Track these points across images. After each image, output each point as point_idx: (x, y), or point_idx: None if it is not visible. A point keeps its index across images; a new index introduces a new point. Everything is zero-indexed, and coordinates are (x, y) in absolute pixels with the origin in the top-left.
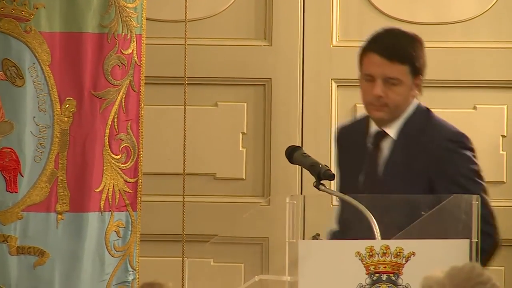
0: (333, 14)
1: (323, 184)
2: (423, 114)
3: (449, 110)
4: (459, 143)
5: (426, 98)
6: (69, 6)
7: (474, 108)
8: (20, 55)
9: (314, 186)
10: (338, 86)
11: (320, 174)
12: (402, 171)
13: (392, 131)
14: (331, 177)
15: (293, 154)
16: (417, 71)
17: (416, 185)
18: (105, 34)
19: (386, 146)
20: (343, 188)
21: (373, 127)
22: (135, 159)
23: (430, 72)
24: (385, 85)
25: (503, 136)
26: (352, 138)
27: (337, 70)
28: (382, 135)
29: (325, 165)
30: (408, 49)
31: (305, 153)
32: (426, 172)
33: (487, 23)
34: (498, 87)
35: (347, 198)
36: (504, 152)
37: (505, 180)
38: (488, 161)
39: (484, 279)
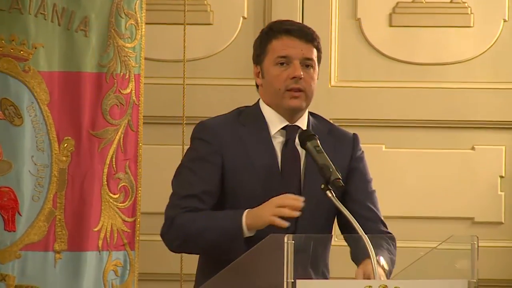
0: (332, 54)
1: (330, 190)
2: (312, 114)
3: (448, 150)
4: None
5: (425, 138)
6: (68, 46)
7: (473, 148)
8: (18, 95)
9: (321, 189)
10: None
11: (329, 181)
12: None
13: (303, 126)
14: (339, 188)
15: (306, 142)
16: (319, 58)
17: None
18: (103, 74)
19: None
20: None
21: (277, 125)
22: (133, 198)
23: (429, 112)
24: (301, 67)
25: (501, 177)
26: (250, 138)
27: (335, 110)
28: (294, 130)
29: (336, 170)
30: (316, 34)
31: (318, 146)
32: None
33: (486, 64)
34: (497, 127)
35: (351, 217)
36: (502, 193)
37: (503, 221)
38: (486, 201)
39: None
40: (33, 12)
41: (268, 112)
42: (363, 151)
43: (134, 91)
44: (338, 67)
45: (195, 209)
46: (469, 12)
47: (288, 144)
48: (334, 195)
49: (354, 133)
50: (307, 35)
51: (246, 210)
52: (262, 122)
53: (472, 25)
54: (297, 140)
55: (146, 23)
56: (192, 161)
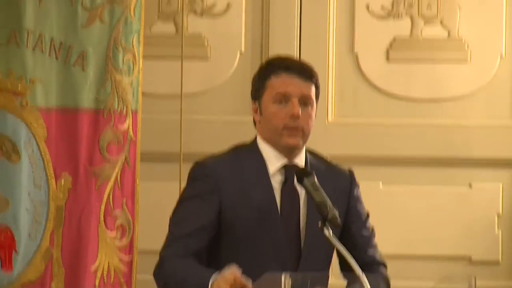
0: (329, 90)
1: (327, 228)
2: (309, 151)
3: (445, 188)
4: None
5: (422, 175)
6: (66, 81)
7: (470, 186)
8: (15, 131)
9: (319, 228)
10: None
11: (326, 219)
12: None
13: (302, 164)
14: (336, 226)
15: (303, 179)
16: (317, 95)
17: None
18: (101, 110)
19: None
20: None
21: (276, 163)
22: (130, 236)
23: (426, 149)
24: (299, 105)
25: (499, 215)
26: (248, 177)
27: (333, 147)
28: (293, 169)
29: (334, 208)
30: (314, 71)
31: (315, 183)
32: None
33: (483, 101)
34: (494, 165)
35: (348, 256)
36: (500, 231)
37: (500, 260)
38: (483, 240)
39: None
40: (31, 47)
41: (266, 150)
42: (359, 186)
43: (131, 127)
44: (336, 103)
45: (184, 252)
46: (466, 48)
47: (287, 183)
48: (332, 233)
49: (349, 169)
50: (306, 73)
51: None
52: (260, 160)
53: (469, 60)
54: (295, 178)
55: (144, 58)
56: (188, 199)
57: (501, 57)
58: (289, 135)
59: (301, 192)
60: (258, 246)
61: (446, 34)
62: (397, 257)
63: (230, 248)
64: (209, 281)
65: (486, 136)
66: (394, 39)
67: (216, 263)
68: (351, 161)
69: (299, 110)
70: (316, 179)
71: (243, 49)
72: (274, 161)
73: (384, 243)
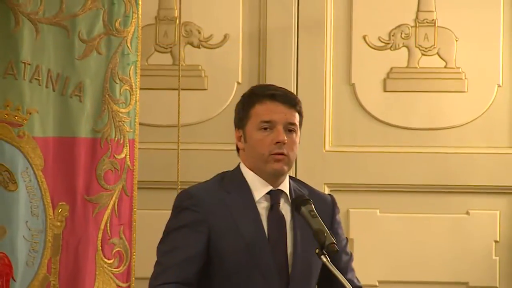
0: (326, 119)
1: (325, 255)
2: (292, 178)
3: (442, 215)
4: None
5: (419, 203)
6: (62, 111)
7: (467, 213)
8: (13, 160)
9: (316, 254)
10: (331, 190)
11: (324, 246)
12: (306, 234)
13: (286, 190)
14: (334, 253)
15: (301, 207)
16: (301, 123)
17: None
18: (98, 139)
19: (285, 209)
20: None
21: (261, 189)
22: (127, 263)
23: (423, 177)
24: (284, 132)
25: (496, 242)
26: (234, 205)
27: (330, 175)
28: (278, 195)
29: (331, 235)
30: (298, 99)
31: (313, 211)
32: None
33: (480, 129)
34: (491, 192)
35: (343, 279)
36: (497, 258)
37: (498, 286)
38: (481, 266)
39: None
40: (28, 78)
41: (251, 177)
42: (339, 211)
43: (128, 156)
44: (333, 132)
45: (175, 283)
46: (463, 78)
47: (273, 209)
48: (329, 259)
49: (330, 195)
50: (290, 100)
51: None
52: (245, 187)
53: (466, 90)
54: (281, 204)
55: (141, 88)
56: (177, 229)
57: (498, 86)
58: (275, 160)
59: (287, 217)
60: (248, 274)
61: (443, 64)
62: (395, 284)
63: (220, 277)
64: None
65: (483, 164)
66: (391, 70)
67: None
68: (349, 189)
69: (285, 137)
70: (313, 206)
71: (240, 79)
72: (259, 188)
73: (382, 270)
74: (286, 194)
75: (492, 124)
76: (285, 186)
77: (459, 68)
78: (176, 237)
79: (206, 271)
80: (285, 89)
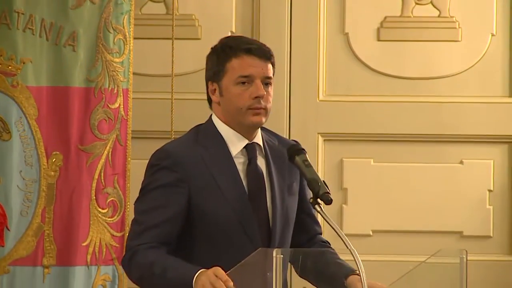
0: (320, 69)
1: (319, 204)
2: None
3: (436, 165)
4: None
5: (413, 152)
6: (56, 61)
7: (461, 162)
8: (7, 110)
9: (310, 203)
10: (325, 140)
11: (318, 195)
12: (282, 184)
13: (260, 143)
14: (328, 202)
15: (295, 157)
16: (273, 73)
17: (294, 196)
18: (91, 88)
19: (260, 161)
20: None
21: (237, 144)
22: (121, 213)
23: (417, 126)
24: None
25: (490, 191)
26: (212, 161)
27: (323, 125)
28: (254, 148)
29: (325, 184)
30: (271, 51)
31: (307, 161)
32: (293, 181)
33: (474, 78)
34: (485, 141)
35: (338, 230)
36: (491, 207)
37: (491, 235)
38: (474, 215)
39: None
40: (21, 27)
41: (225, 131)
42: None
43: (122, 106)
44: (326, 82)
45: (156, 243)
46: (457, 27)
47: (251, 164)
48: (323, 209)
49: (295, 141)
50: (265, 54)
51: (198, 271)
52: (221, 142)
53: (460, 39)
54: (258, 158)
55: (134, 38)
56: (155, 189)
57: (492, 35)
58: (254, 114)
59: (263, 170)
60: (231, 230)
61: (437, 13)
62: (388, 233)
63: (203, 237)
64: (193, 276)
65: (477, 113)
66: (385, 19)
67: (189, 251)
68: (342, 139)
69: (264, 91)
70: (307, 156)
71: (233, 29)
72: (235, 142)
73: (375, 220)
74: (261, 147)
75: (486, 74)
76: (259, 138)
77: (453, 17)
78: (155, 196)
79: (188, 232)
80: (258, 42)
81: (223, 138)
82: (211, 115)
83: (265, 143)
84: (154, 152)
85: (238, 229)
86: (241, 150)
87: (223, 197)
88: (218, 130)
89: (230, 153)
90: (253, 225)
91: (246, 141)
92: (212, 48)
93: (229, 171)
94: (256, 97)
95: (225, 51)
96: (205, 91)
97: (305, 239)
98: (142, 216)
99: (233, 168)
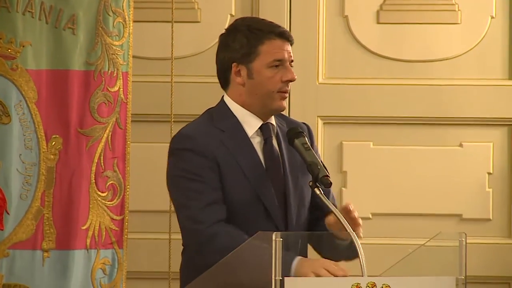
0: (319, 51)
1: (318, 187)
2: None
3: (435, 148)
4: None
5: (413, 135)
6: (56, 44)
7: (460, 145)
8: (6, 93)
9: (310, 186)
10: (324, 123)
11: (317, 178)
12: (294, 164)
13: (273, 123)
14: (327, 185)
15: (294, 140)
16: None
17: (307, 176)
18: (91, 72)
19: (274, 141)
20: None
21: (253, 125)
22: (121, 196)
23: (416, 109)
24: None
25: (489, 174)
26: (230, 142)
27: (323, 108)
28: (269, 128)
29: (325, 167)
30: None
31: (306, 144)
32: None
33: (473, 61)
34: (484, 124)
35: (338, 213)
36: (490, 190)
37: (491, 218)
38: (474, 198)
39: None
40: (21, 10)
41: (240, 112)
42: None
43: (122, 89)
44: (326, 65)
45: (222, 220)
46: (457, 9)
47: (267, 143)
48: (322, 192)
49: (305, 123)
50: (291, 37)
51: (297, 258)
52: (236, 123)
53: (459, 22)
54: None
55: (134, 21)
56: (190, 172)
57: (491, 17)
58: (281, 98)
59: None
60: (252, 208)
61: None
62: (387, 216)
63: (227, 214)
64: (292, 262)
65: (476, 96)
66: (384, 1)
67: None
68: (342, 122)
69: (295, 76)
70: (306, 139)
71: (233, 11)
72: (250, 123)
73: (375, 203)
74: (274, 127)
75: (485, 56)
76: (272, 119)
77: None
78: (193, 178)
79: None
80: (281, 25)
81: (237, 119)
82: (222, 97)
83: (275, 125)
84: (174, 138)
85: (259, 206)
86: (257, 131)
87: (244, 176)
88: (232, 112)
89: (246, 133)
90: (273, 205)
91: (261, 122)
92: (230, 30)
93: (248, 151)
94: (286, 81)
95: (256, 34)
96: (206, 74)
97: (321, 215)
98: (187, 200)
99: (251, 148)
